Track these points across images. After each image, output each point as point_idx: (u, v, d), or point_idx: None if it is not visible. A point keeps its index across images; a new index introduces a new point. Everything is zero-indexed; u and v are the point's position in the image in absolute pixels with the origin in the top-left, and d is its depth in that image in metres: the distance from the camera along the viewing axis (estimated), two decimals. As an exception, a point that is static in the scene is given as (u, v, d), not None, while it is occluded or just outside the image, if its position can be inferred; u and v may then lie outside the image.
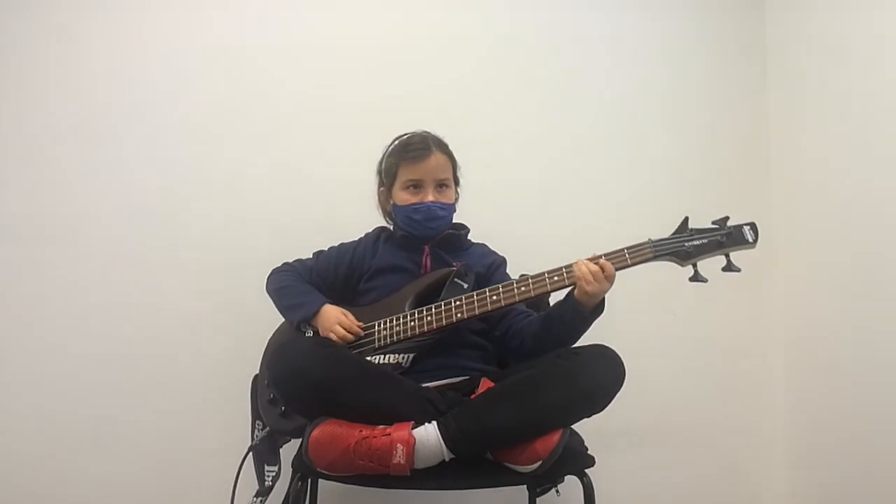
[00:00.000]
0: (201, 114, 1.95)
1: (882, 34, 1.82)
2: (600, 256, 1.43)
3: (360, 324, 1.54)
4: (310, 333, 1.56)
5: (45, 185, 1.88)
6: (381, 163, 1.67)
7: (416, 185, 1.60)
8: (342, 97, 2.00)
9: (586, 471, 1.34)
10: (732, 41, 2.24)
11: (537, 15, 2.13)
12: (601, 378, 1.37)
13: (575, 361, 1.38)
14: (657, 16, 2.21)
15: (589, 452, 1.40)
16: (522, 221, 2.03)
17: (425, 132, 1.65)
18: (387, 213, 1.70)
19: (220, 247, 1.92)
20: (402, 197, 1.61)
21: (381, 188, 1.68)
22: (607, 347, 1.40)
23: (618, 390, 1.38)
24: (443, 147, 1.63)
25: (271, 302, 1.64)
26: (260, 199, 1.95)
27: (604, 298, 1.45)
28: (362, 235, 1.72)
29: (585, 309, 1.43)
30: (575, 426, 1.37)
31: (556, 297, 1.52)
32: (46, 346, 1.84)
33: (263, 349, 1.63)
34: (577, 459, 1.35)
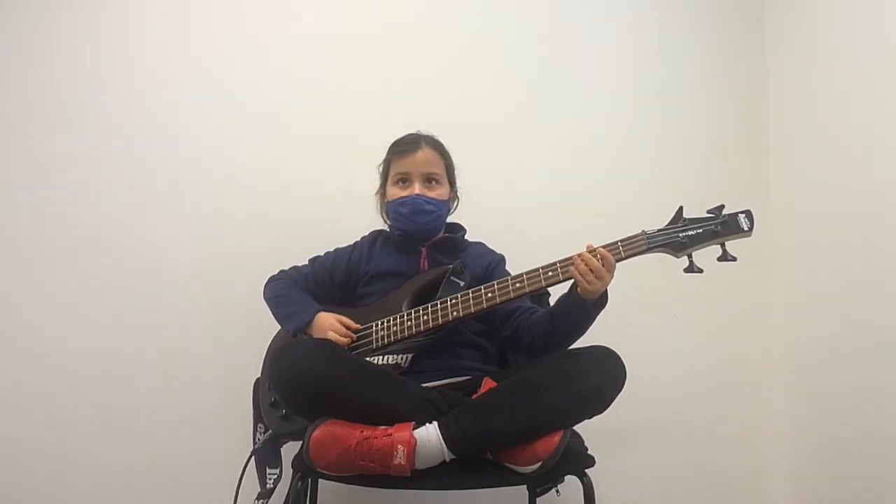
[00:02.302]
0: (203, 118, 1.97)
1: (881, 34, 1.82)
2: (595, 249, 1.42)
3: (357, 326, 1.55)
4: None
5: (48, 190, 1.90)
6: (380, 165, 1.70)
7: (404, 179, 1.62)
8: (341, 100, 2.01)
9: (586, 471, 1.33)
10: (733, 40, 2.24)
11: (538, 17, 2.15)
12: (602, 379, 1.37)
13: (576, 362, 1.38)
14: (657, 15, 2.21)
15: (589, 452, 1.39)
16: (520, 218, 2.03)
17: (421, 132, 1.67)
18: (383, 214, 1.71)
19: (221, 250, 1.93)
20: (392, 192, 1.63)
21: (380, 189, 1.70)
22: (608, 348, 1.40)
23: (619, 391, 1.38)
24: (434, 144, 1.65)
25: (271, 308, 1.66)
26: (262, 203, 1.96)
27: (606, 290, 1.44)
28: (358, 239, 1.73)
29: (588, 303, 1.43)
30: (575, 426, 1.37)
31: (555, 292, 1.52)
32: (49, 350, 1.85)
33: (265, 353, 1.63)
34: (577, 459, 1.34)
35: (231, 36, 2.01)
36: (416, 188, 1.60)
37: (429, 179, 1.62)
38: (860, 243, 1.86)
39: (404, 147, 1.63)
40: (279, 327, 1.65)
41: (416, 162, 1.61)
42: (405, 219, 1.61)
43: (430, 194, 1.61)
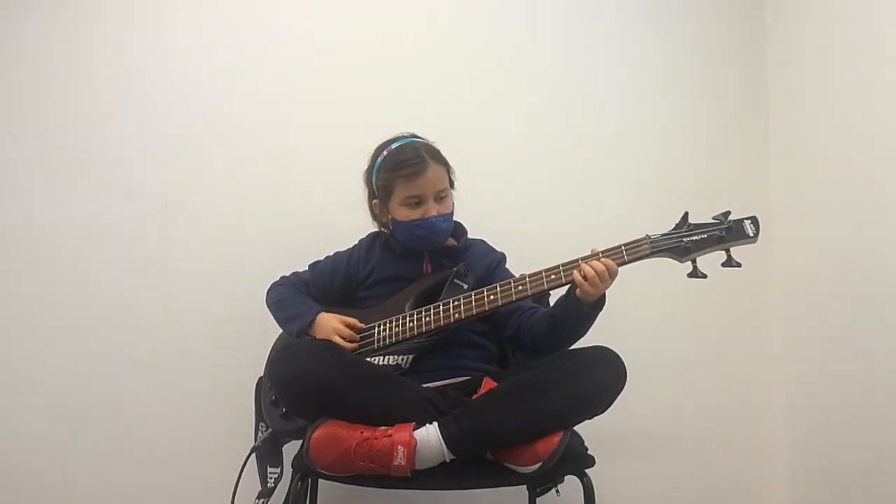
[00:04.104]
0: (202, 122, 1.97)
1: (882, 34, 1.81)
2: (598, 254, 1.42)
3: (361, 325, 1.54)
4: None
5: (50, 192, 1.90)
6: (371, 175, 1.63)
7: (417, 201, 1.56)
8: (339, 101, 2.00)
9: (586, 471, 1.34)
10: (732, 39, 2.22)
11: (535, 14, 2.13)
12: (602, 380, 1.38)
13: (576, 363, 1.39)
14: (657, 14, 2.20)
15: (589, 452, 1.40)
16: (521, 219, 2.02)
17: (414, 140, 1.61)
18: (382, 225, 1.68)
19: (224, 250, 1.93)
20: (403, 213, 1.57)
21: (375, 201, 1.64)
22: (608, 349, 1.40)
23: (619, 392, 1.39)
24: (436, 156, 1.58)
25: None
26: (264, 202, 1.96)
27: (604, 293, 1.43)
28: (356, 243, 1.72)
29: (586, 306, 1.42)
30: (575, 426, 1.37)
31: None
32: (53, 350, 1.86)
33: (268, 352, 1.63)
34: (577, 459, 1.35)
35: (231, 39, 1.99)
36: (432, 209, 1.56)
37: (439, 197, 1.57)
38: (861, 244, 1.85)
39: (410, 168, 1.54)
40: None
41: (428, 183, 1.54)
42: (423, 240, 1.58)
43: (444, 211, 1.58)
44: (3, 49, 1.91)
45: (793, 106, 2.13)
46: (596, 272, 1.38)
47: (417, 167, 1.54)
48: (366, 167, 1.65)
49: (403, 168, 1.55)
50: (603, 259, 1.40)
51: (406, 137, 1.62)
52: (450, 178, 1.61)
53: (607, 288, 1.41)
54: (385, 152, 1.60)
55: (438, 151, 1.60)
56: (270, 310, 1.65)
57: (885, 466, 1.77)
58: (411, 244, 1.61)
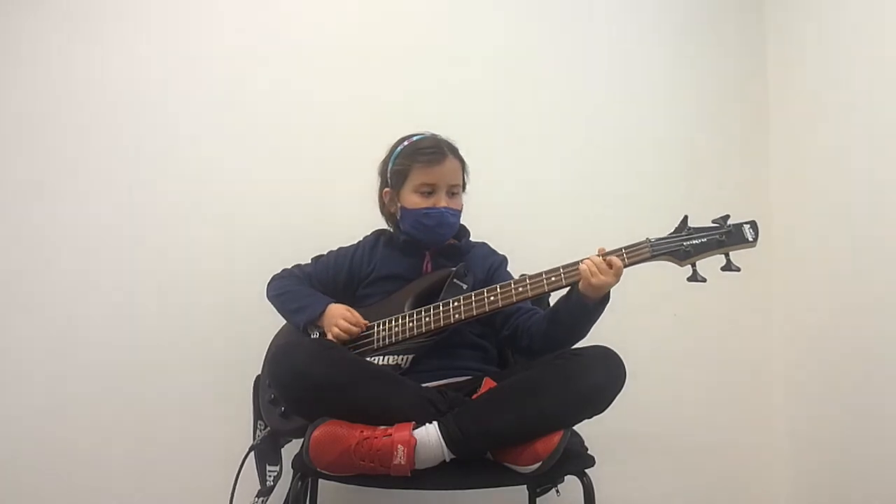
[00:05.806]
0: (204, 118, 1.97)
1: (882, 32, 1.81)
2: (612, 255, 1.42)
3: (365, 322, 1.54)
4: (316, 335, 1.56)
5: (48, 189, 1.90)
6: (387, 163, 1.64)
7: (430, 190, 1.57)
8: (342, 99, 2.01)
9: (586, 471, 1.34)
10: (732, 40, 2.23)
11: (538, 15, 2.14)
12: (602, 379, 1.37)
13: (576, 362, 1.38)
14: (658, 15, 2.20)
15: (589, 452, 1.40)
16: (523, 221, 2.03)
17: (434, 134, 1.63)
18: (390, 215, 1.68)
19: (222, 248, 1.93)
20: (413, 200, 1.58)
21: (387, 189, 1.65)
22: (608, 349, 1.40)
23: (618, 391, 1.39)
24: (455, 152, 1.61)
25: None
26: (262, 201, 1.96)
27: (609, 292, 1.43)
28: (360, 239, 1.72)
29: (590, 302, 1.42)
30: (575, 426, 1.37)
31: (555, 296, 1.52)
32: (52, 349, 1.86)
33: (266, 350, 1.63)
34: (577, 459, 1.35)
35: (232, 36, 1.99)
36: (443, 200, 1.57)
37: (452, 191, 1.59)
38: (861, 246, 1.86)
39: (428, 156, 1.57)
40: (281, 325, 1.65)
41: (443, 173, 1.56)
42: (429, 230, 1.59)
43: (453, 206, 1.59)
44: (3, 48, 1.91)
45: (793, 106, 2.14)
46: (600, 269, 1.39)
47: (436, 156, 1.57)
48: (382, 159, 1.66)
49: (422, 155, 1.57)
50: (609, 258, 1.40)
51: (426, 134, 1.64)
52: (463, 179, 1.63)
53: (611, 285, 1.41)
54: (406, 142, 1.63)
55: (457, 149, 1.63)
56: (273, 302, 1.65)
57: (886, 467, 1.77)
58: (417, 235, 1.61)
